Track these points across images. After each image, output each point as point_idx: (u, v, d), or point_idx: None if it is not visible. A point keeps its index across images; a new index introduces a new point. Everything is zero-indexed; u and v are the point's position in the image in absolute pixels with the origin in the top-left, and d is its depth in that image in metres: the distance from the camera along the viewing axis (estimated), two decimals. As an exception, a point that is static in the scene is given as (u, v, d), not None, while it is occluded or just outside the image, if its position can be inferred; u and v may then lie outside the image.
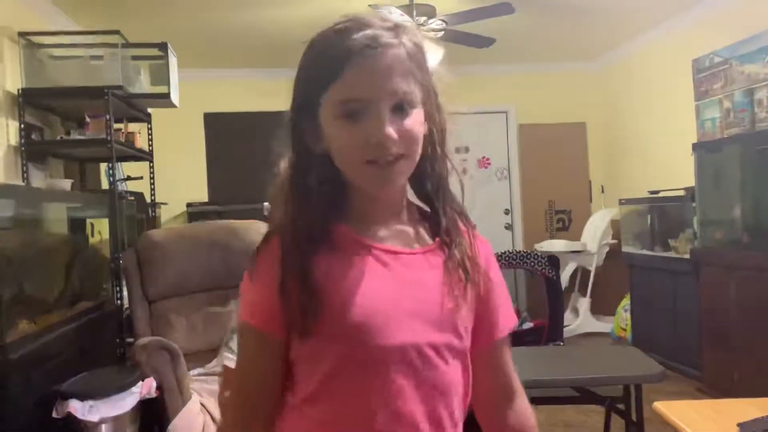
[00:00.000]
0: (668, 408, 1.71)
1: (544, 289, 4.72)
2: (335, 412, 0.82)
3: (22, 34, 3.64)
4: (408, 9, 4.00)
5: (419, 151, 0.86)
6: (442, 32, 4.18)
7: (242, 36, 5.00)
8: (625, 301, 5.42)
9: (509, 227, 6.57)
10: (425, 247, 0.90)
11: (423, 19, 4.07)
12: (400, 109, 0.83)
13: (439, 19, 4.09)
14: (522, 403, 0.97)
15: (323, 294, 0.82)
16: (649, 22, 5.18)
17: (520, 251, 4.81)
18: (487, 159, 6.55)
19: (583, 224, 6.20)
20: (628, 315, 5.30)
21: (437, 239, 0.90)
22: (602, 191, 6.42)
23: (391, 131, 0.81)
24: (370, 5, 3.86)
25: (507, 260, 4.64)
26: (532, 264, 4.69)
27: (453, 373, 0.86)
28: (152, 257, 3.24)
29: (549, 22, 4.98)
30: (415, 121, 0.84)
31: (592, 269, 5.89)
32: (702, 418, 1.64)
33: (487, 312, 0.92)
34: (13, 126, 3.55)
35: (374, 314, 0.82)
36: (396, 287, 0.85)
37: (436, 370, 0.84)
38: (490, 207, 6.48)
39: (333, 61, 0.81)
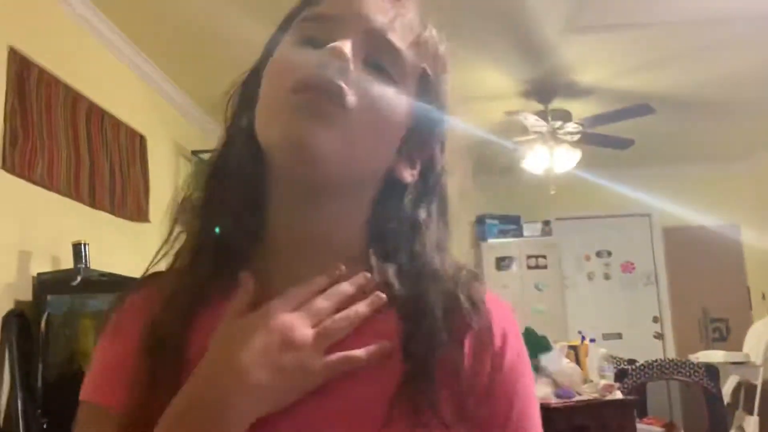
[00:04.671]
0: None
1: (702, 404, 4.33)
2: None
3: (194, 153, 4.11)
4: (543, 114, 4.10)
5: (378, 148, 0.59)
6: (579, 135, 4.21)
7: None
8: (802, 421, 4.83)
9: (659, 336, 6.17)
10: None
11: (559, 123, 4.15)
12: (376, 67, 0.58)
13: (576, 123, 4.14)
14: None
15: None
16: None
17: (673, 359, 4.49)
18: (632, 264, 6.29)
19: (743, 333, 5.68)
20: (806, 437, 4.70)
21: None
22: (763, 297, 5.90)
23: (346, 49, 0.55)
24: (505, 112, 4.00)
25: (659, 370, 4.34)
26: (688, 374, 4.34)
27: None
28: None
29: (691, 121, 4.87)
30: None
31: (759, 383, 5.32)
32: None
33: None
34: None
35: None
36: None
37: None
38: (637, 314, 6.15)
39: None
